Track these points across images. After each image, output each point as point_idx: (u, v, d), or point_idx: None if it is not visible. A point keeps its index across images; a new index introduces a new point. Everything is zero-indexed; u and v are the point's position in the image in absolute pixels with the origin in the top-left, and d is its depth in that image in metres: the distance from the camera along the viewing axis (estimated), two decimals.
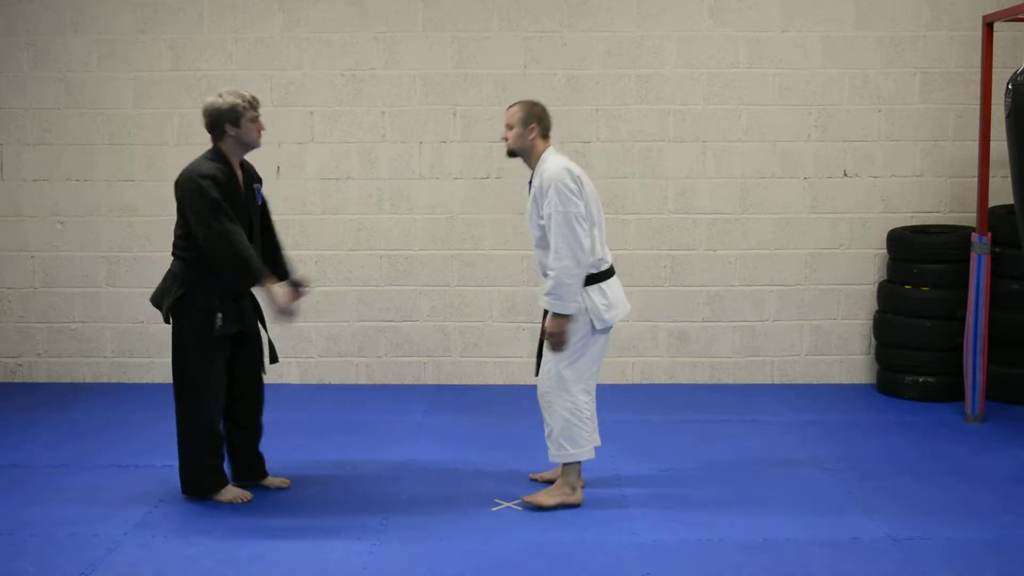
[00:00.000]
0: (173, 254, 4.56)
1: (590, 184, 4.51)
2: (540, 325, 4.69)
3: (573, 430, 4.52)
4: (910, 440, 5.61)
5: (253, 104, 4.51)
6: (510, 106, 4.65)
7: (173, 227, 4.57)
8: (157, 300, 4.58)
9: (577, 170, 4.46)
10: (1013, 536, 4.27)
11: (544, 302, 4.45)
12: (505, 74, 6.66)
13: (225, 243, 4.35)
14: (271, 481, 4.84)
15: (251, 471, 4.81)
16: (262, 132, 4.57)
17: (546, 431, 4.60)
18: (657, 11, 6.64)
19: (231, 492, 4.65)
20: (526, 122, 4.54)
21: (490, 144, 6.66)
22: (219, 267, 4.40)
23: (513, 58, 6.66)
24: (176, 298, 4.49)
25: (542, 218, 4.45)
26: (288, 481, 4.87)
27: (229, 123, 4.47)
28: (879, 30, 6.65)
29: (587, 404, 4.56)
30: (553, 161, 4.49)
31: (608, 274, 4.55)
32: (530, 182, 4.60)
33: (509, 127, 4.58)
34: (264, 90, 6.66)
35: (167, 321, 4.57)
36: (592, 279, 4.48)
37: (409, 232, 6.75)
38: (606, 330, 4.55)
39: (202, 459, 4.60)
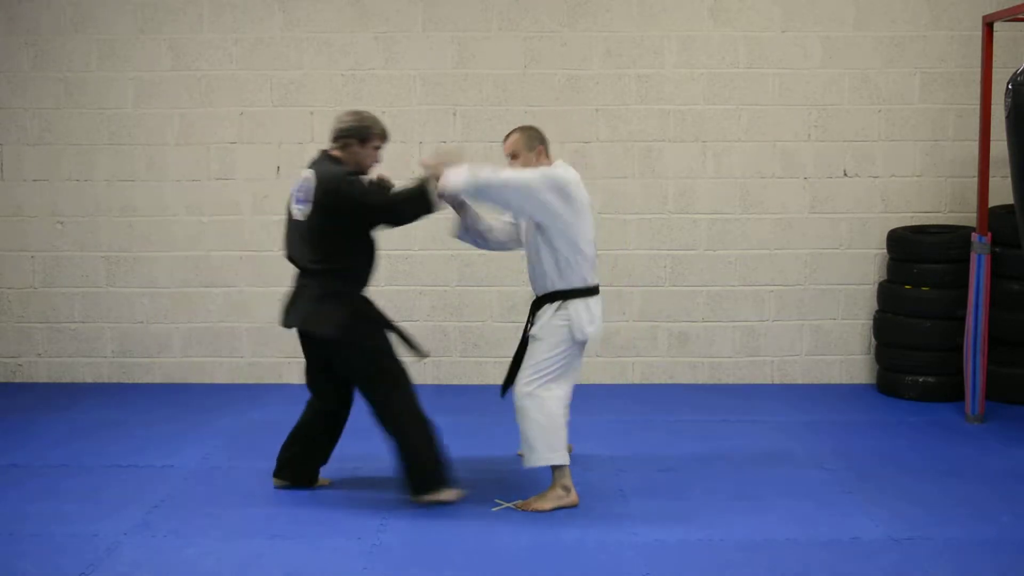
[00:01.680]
0: (307, 270, 4.53)
1: (586, 200, 4.52)
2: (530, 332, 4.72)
3: (551, 436, 4.51)
4: (910, 440, 5.62)
5: (383, 136, 4.66)
6: (507, 136, 4.67)
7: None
8: (309, 322, 4.50)
9: (575, 182, 4.48)
10: (1013, 536, 4.27)
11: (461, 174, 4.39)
12: (505, 74, 6.66)
13: (396, 198, 4.50)
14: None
15: (315, 473, 4.84)
16: (375, 164, 4.64)
17: (523, 437, 4.56)
18: (657, 11, 6.64)
19: (452, 492, 4.61)
20: (531, 146, 4.59)
21: (490, 144, 6.66)
22: (410, 216, 4.55)
23: (513, 58, 6.66)
24: (347, 314, 4.51)
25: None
26: (329, 481, 4.94)
27: (357, 140, 4.58)
28: (879, 30, 6.65)
29: (562, 412, 4.56)
30: (556, 167, 4.54)
31: (595, 291, 4.59)
32: None
33: (514, 156, 4.60)
34: (264, 90, 6.67)
35: (337, 343, 4.49)
36: (579, 293, 4.53)
37: (409, 232, 6.73)
38: (583, 343, 4.58)
39: (433, 450, 4.59)
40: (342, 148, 4.59)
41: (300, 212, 4.52)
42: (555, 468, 4.58)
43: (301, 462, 4.79)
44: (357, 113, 4.66)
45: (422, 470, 4.57)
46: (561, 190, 4.42)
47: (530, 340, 4.60)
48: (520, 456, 5.23)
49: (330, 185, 4.45)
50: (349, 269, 4.57)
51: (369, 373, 4.56)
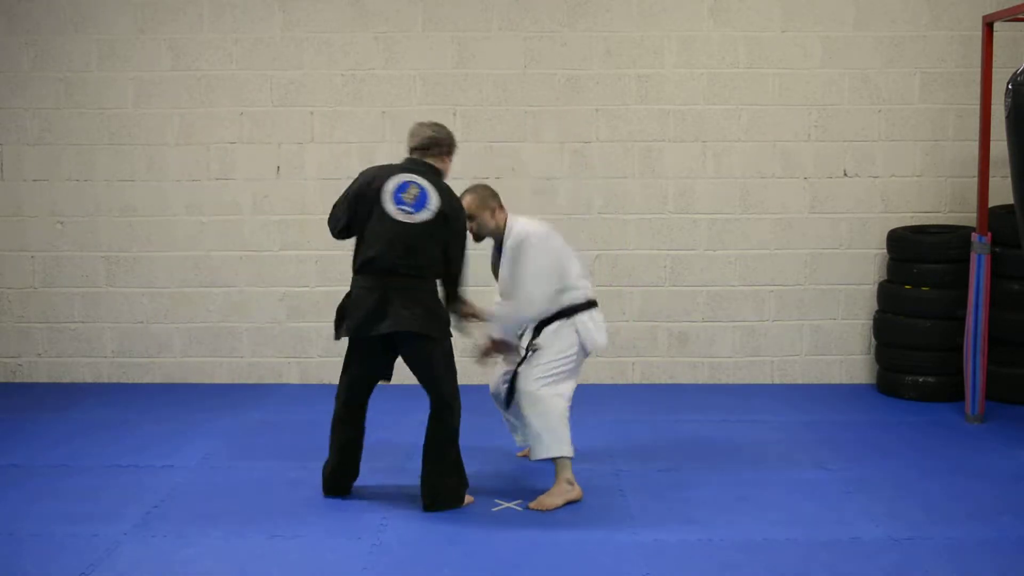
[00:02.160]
0: (421, 272, 4.51)
1: (558, 238, 4.75)
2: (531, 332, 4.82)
3: (558, 429, 4.61)
4: (910, 440, 5.61)
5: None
6: (461, 196, 4.73)
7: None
8: (419, 324, 4.47)
9: (544, 229, 4.71)
10: (1013, 536, 4.27)
11: (494, 319, 4.73)
12: (505, 74, 6.66)
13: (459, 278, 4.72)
14: None
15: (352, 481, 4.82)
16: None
17: (532, 431, 4.64)
18: (657, 11, 6.64)
19: (466, 499, 4.68)
20: (485, 205, 4.73)
21: (490, 144, 6.66)
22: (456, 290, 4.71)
23: (513, 58, 6.66)
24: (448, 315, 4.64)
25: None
26: None
27: (447, 152, 4.67)
28: (879, 30, 6.65)
29: (566, 408, 4.70)
30: (522, 224, 4.72)
31: (594, 304, 4.79)
32: (498, 247, 4.79)
33: (471, 218, 4.71)
34: (264, 90, 6.68)
35: (438, 343, 4.56)
36: (582, 308, 4.74)
37: None
38: (587, 354, 4.81)
39: (462, 467, 4.66)
40: (436, 157, 4.64)
41: (410, 216, 4.46)
42: (558, 462, 4.64)
43: (349, 475, 4.76)
44: (440, 125, 4.70)
45: (454, 486, 4.61)
46: (546, 249, 4.65)
47: (534, 349, 4.71)
48: (522, 457, 5.27)
49: (460, 212, 4.59)
50: (439, 274, 4.63)
51: (450, 371, 4.62)
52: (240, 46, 6.67)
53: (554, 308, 4.71)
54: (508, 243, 4.68)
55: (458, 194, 4.66)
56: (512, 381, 4.77)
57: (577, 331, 4.70)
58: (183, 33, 6.65)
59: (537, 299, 4.64)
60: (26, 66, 6.68)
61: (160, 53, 6.67)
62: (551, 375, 4.65)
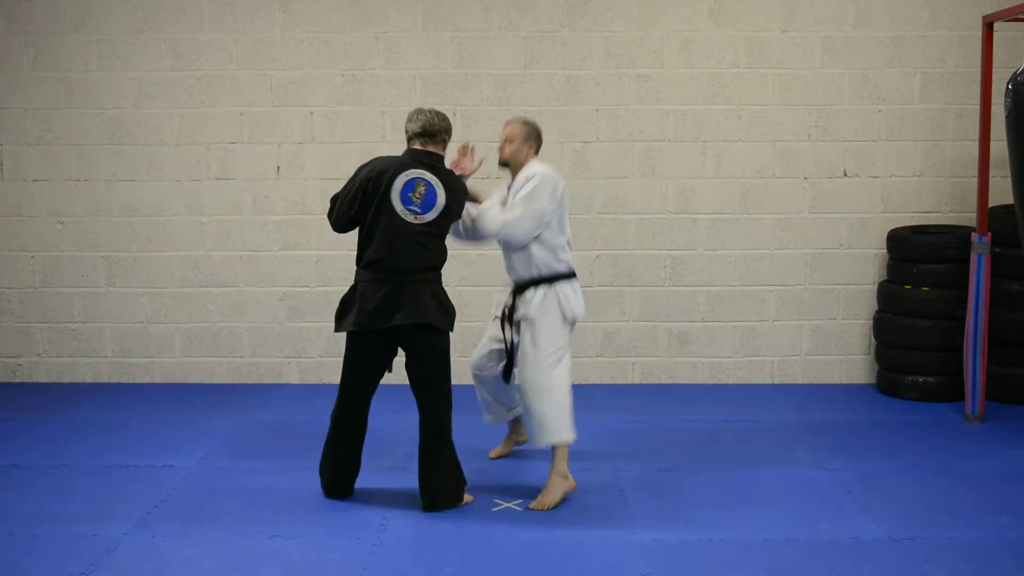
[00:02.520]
0: (429, 267, 4.55)
1: (566, 195, 4.82)
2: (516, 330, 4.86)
3: (563, 415, 4.65)
4: (910, 440, 5.62)
5: None
6: (510, 121, 4.90)
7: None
8: (433, 316, 4.50)
9: (557, 177, 4.77)
10: (1012, 536, 4.27)
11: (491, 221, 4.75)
12: (505, 74, 6.66)
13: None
14: None
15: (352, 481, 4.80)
16: None
17: (535, 418, 4.66)
18: (657, 11, 6.64)
19: (465, 497, 4.69)
20: (527, 138, 4.85)
21: (490, 144, 6.65)
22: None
23: (513, 58, 6.66)
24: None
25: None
26: None
27: (447, 140, 4.70)
28: (879, 30, 6.65)
29: (568, 390, 4.72)
30: (542, 165, 4.80)
31: (575, 275, 4.83)
32: (508, 187, 4.87)
33: (510, 140, 4.84)
34: (264, 90, 6.68)
35: (444, 335, 4.59)
36: (564, 277, 4.76)
37: None
38: (573, 323, 4.78)
39: (459, 466, 4.66)
40: (439, 144, 4.67)
41: (417, 217, 4.49)
42: (557, 451, 4.66)
43: (349, 475, 4.74)
44: (437, 112, 4.69)
45: (452, 485, 4.61)
46: (554, 192, 4.69)
47: (524, 323, 4.73)
48: (496, 458, 5.25)
49: (463, 199, 4.69)
50: (444, 261, 4.67)
51: (448, 368, 4.65)
52: (240, 46, 6.67)
53: (540, 271, 4.71)
54: (522, 176, 4.75)
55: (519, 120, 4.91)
56: (509, 359, 4.84)
57: (559, 301, 4.70)
58: (183, 33, 6.65)
59: (521, 229, 4.66)
60: (26, 66, 6.68)
61: (160, 53, 6.67)
62: (550, 357, 4.66)
